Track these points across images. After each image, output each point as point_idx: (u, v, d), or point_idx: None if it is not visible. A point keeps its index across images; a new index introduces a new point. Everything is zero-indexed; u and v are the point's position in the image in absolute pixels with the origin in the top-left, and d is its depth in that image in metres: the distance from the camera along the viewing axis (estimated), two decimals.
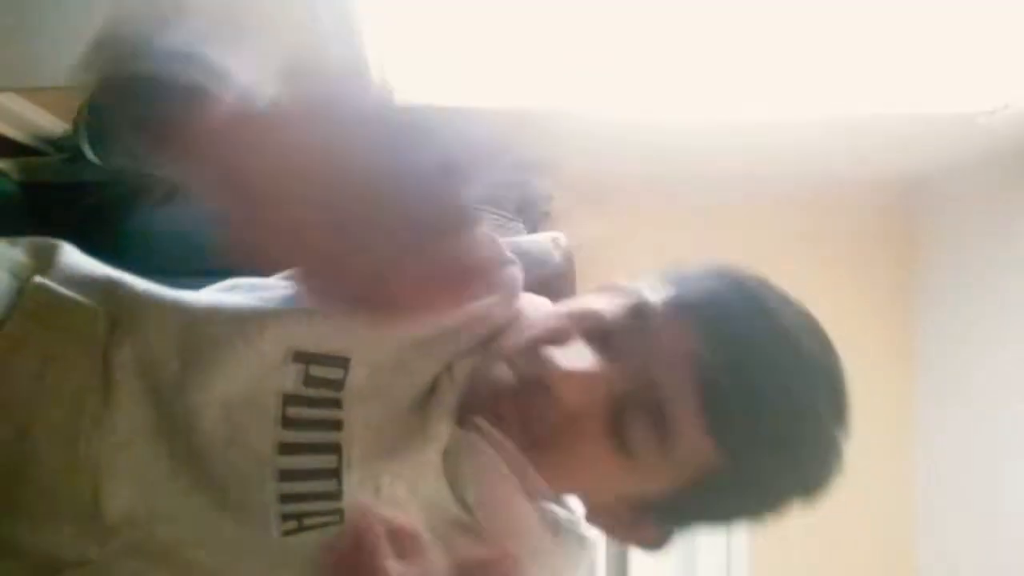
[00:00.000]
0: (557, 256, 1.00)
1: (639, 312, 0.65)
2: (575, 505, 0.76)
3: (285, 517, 0.64)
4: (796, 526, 3.33)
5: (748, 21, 1.88)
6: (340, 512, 0.64)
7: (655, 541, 0.71)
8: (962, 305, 3.31)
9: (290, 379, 0.66)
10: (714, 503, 0.67)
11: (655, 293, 0.66)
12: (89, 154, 0.90)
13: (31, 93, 1.89)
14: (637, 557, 5.51)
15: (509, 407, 0.66)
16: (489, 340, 0.72)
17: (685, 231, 3.48)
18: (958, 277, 3.34)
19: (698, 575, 3.58)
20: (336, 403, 0.66)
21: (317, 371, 0.67)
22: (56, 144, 1.30)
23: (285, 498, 0.64)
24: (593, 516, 0.71)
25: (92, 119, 0.89)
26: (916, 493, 3.55)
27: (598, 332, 0.66)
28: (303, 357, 0.66)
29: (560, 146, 2.66)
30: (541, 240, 1.01)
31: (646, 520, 0.70)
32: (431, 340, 0.71)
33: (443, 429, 0.68)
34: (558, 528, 0.70)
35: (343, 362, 0.67)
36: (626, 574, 5.62)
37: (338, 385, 0.67)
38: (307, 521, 0.64)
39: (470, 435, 0.67)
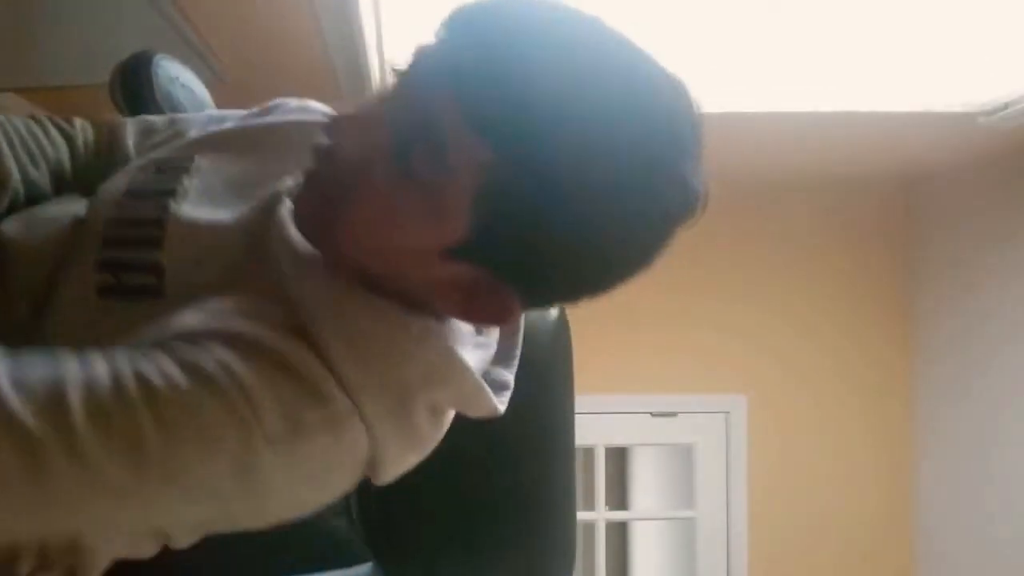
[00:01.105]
0: (551, 318, 1.03)
1: (410, 57, 0.64)
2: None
3: (103, 265, 0.69)
4: (795, 526, 3.34)
5: (748, 18, 1.89)
6: (159, 267, 0.68)
7: (499, 305, 0.65)
8: (961, 303, 3.31)
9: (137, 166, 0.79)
10: (522, 225, 0.60)
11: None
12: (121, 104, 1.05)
13: (31, 93, 1.89)
14: (637, 556, 5.52)
15: (309, 178, 0.67)
16: None
17: (683, 230, 3.48)
18: (957, 275, 3.34)
19: (698, 574, 3.58)
20: (179, 178, 0.75)
21: (167, 163, 0.78)
22: None
23: (108, 241, 0.70)
24: (431, 293, 0.66)
25: (124, 82, 1.05)
26: (915, 493, 3.55)
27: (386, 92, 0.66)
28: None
29: None
30: None
31: (478, 279, 0.64)
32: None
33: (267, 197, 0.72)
34: (385, 316, 0.66)
35: (188, 155, 0.78)
36: (626, 572, 5.63)
37: (185, 168, 0.77)
38: (124, 277, 0.68)
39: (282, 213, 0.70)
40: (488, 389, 0.69)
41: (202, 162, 0.77)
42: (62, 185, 0.87)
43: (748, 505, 3.52)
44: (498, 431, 0.95)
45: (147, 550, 0.63)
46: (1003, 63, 2.10)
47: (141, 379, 0.57)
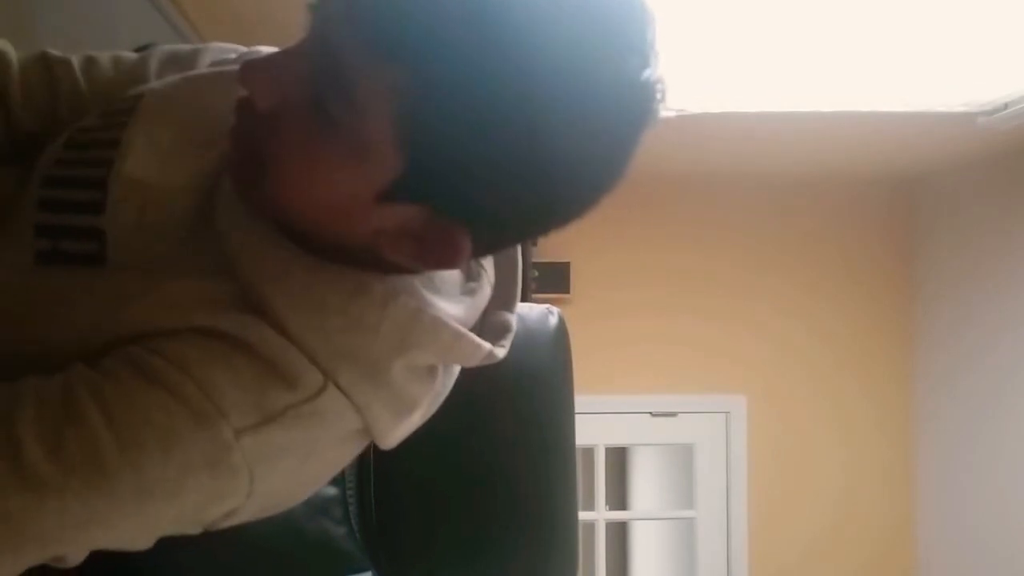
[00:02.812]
0: (551, 325, 1.00)
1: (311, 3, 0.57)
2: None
3: (40, 230, 0.63)
4: (795, 526, 3.34)
5: (749, 18, 1.89)
6: (99, 233, 0.63)
7: (449, 245, 0.58)
8: (961, 303, 3.31)
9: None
10: (451, 150, 0.53)
11: None
12: None
13: None
14: (637, 556, 5.52)
15: (234, 135, 0.61)
16: None
17: (684, 230, 3.48)
18: (957, 275, 3.35)
19: (698, 574, 3.59)
20: (123, 124, 0.67)
21: (111, 106, 0.71)
22: None
23: (44, 204, 0.64)
24: (378, 244, 0.60)
25: None
26: (917, 492, 3.55)
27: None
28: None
29: None
30: (536, 309, 1.01)
31: (422, 220, 0.58)
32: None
33: (211, 162, 0.66)
34: (341, 282, 0.61)
35: (134, 98, 0.70)
36: (626, 573, 5.64)
37: (129, 110, 0.69)
38: (63, 244, 0.63)
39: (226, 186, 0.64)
40: (471, 336, 0.64)
41: (151, 105, 0.69)
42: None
43: (748, 505, 3.52)
44: (499, 435, 0.94)
45: (142, 544, 0.61)
46: (1003, 63, 2.10)
47: (93, 388, 0.55)
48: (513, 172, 0.54)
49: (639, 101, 0.55)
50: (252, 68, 0.56)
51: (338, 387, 0.59)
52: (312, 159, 0.56)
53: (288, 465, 0.60)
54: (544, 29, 0.51)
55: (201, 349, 0.57)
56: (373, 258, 0.61)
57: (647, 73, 0.54)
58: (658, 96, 0.55)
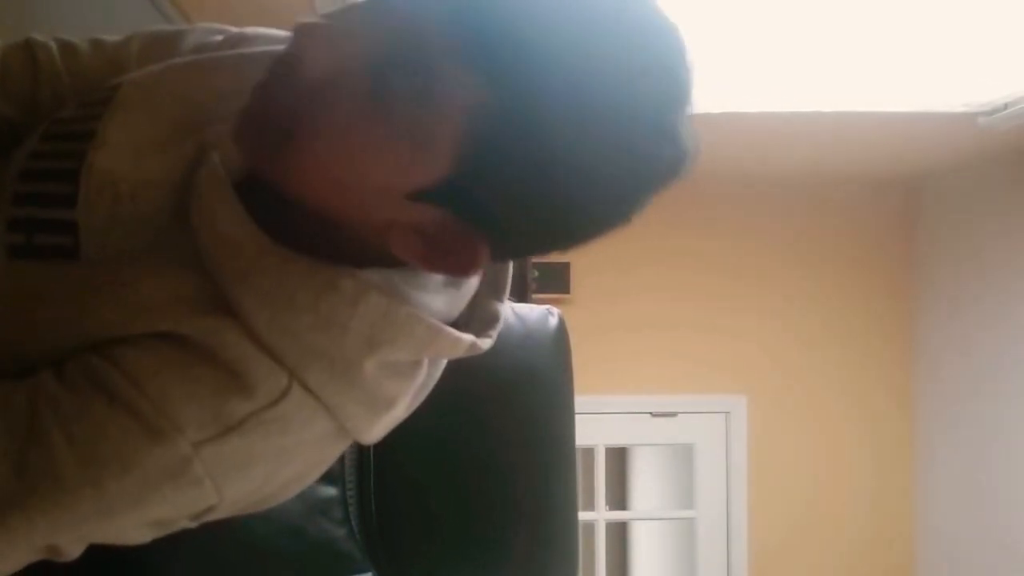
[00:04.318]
0: (551, 326, 1.00)
1: None
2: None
3: (13, 224, 0.63)
4: (795, 526, 3.33)
5: (747, 18, 1.89)
6: (73, 228, 0.61)
7: (467, 254, 0.57)
8: (961, 303, 3.31)
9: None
10: (508, 172, 0.53)
11: None
12: None
13: None
14: (637, 556, 5.52)
15: (260, 92, 0.56)
16: None
17: (684, 230, 3.48)
18: (958, 275, 3.34)
19: (698, 574, 3.58)
20: (99, 116, 0.66)
21: (89, 97, 0.69)
22: None
23: (18, 198, 0.64)
24: (387, 237, 0.57)
25: None
26: (916, 491, 3.55)
27: None
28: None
29: None
30: (536, 310, 1.03)
31: (445, 225, 0.56)
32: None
33: (190, 147, 0.64)
34: (311, 278, 0.59)
35: (112, 88, 0.68)
36: (626, 573, 5.64)
37: (106, 101, 0.67)
38: (36, 238, 0.62)
39: (211, 156, 0.62)
40: (448, 331, 0.62)
41: (128, 96, 0.67)
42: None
43: (748, 505, 3.52)
44: (499, 435, 0.94)
45: (133, 540, 0.61)
46: (1003, 63, 2.10)
47: (55, 405, 0.56)
48: (549, 203, 0.55)
49: (674, 155, 0.58)
50: (310, 30, 0.53)
51: (307, 388, 0.59)
52: (356, 139, 0.53)
53: (261, 471, 0.60)
54: (609, 84, 0.53)
55: (162, 359, 0.57)
56: (366, 247, 0.59)
57: (686, 131, 0.57)
58: (691, 154, 0.59)
